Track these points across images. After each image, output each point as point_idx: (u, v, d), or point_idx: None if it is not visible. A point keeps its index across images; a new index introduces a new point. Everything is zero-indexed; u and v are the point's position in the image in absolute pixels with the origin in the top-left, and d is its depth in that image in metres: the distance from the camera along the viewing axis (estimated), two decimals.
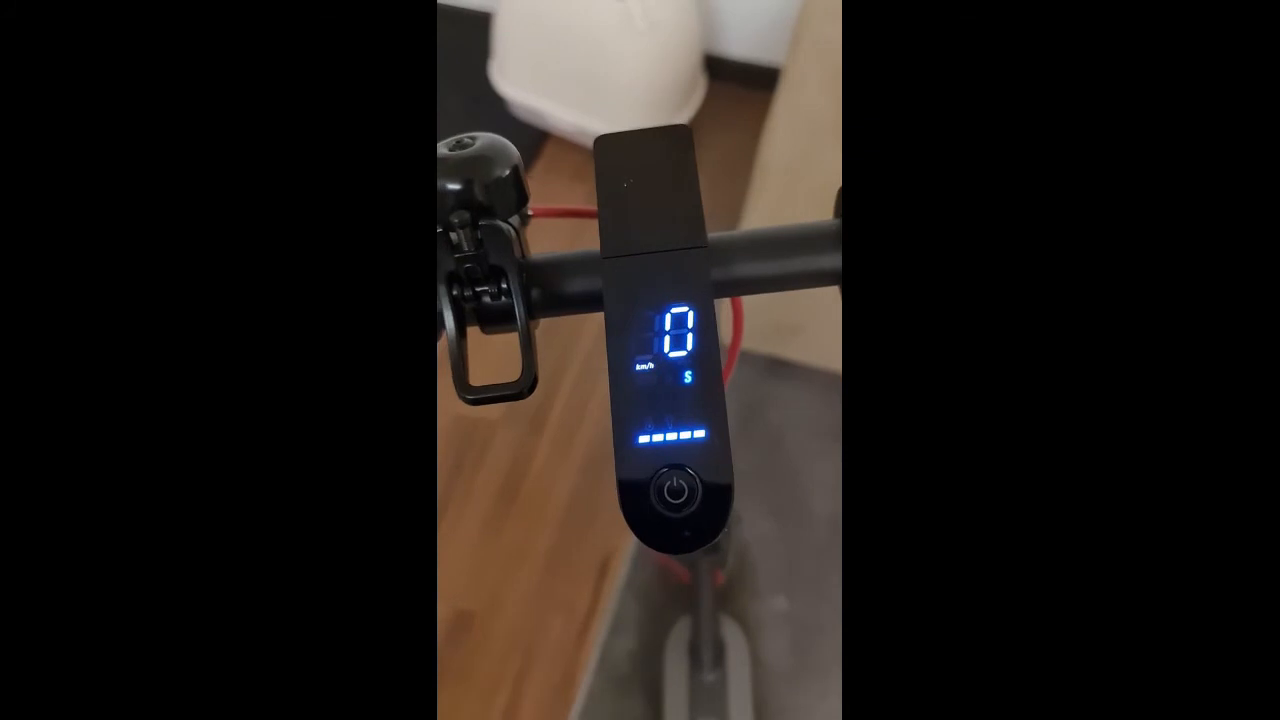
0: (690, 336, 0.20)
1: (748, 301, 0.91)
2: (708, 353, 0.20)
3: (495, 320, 0.23)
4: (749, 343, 1.11)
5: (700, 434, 0.19)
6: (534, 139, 1.43)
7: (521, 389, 0.22)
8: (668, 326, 0.20)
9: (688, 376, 0.20)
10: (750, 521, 1.03)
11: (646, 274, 0.21)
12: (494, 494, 1.08)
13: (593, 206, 0.24)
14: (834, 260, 0.23)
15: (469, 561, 1.04)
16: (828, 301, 0.95)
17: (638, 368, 0.20)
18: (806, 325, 1.04)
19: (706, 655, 0.86)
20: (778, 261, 0.23)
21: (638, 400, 0.20)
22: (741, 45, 1.43)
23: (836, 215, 0.24)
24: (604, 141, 0.23)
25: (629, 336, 0.20)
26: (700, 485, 0.19)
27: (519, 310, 0.22)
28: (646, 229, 0.21)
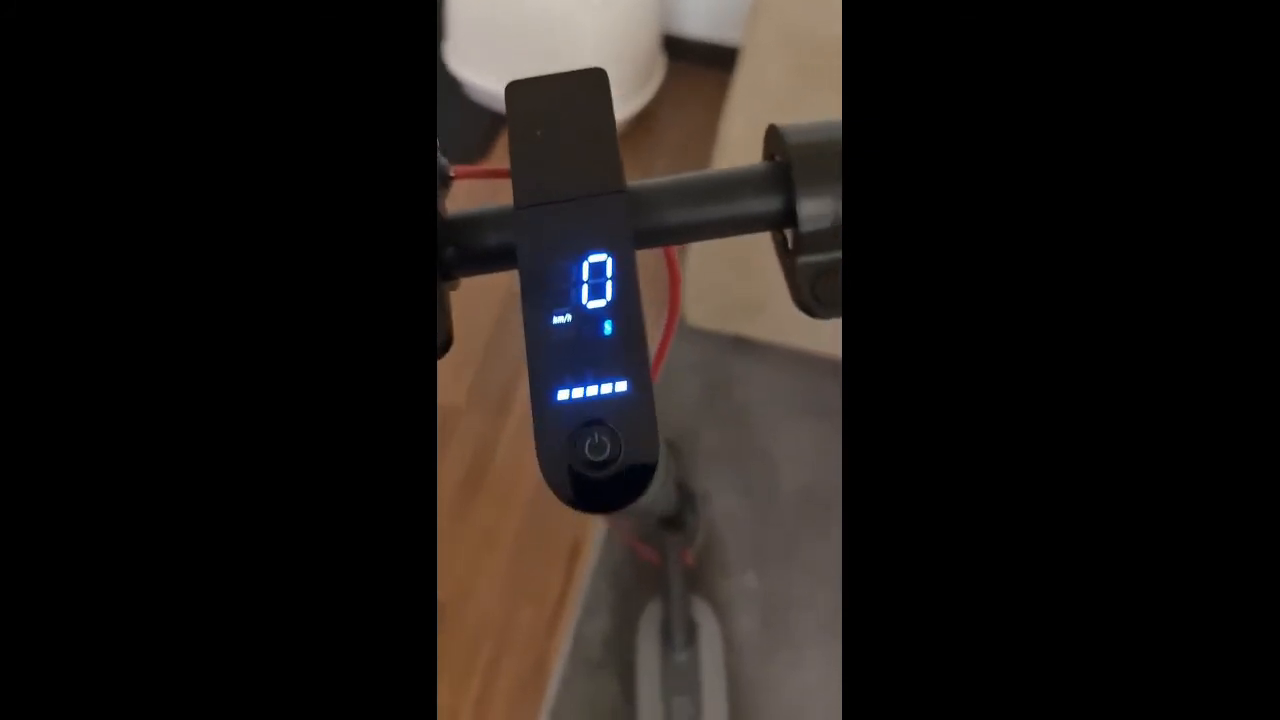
0: (609, 285, 0.19)
1: (709, 280, 0.90)
2: (628, 301, 0.19)
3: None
4: (712, 322, 1.10)
5: (622, 386, 0.18)
6: (492, 122, 1.40)
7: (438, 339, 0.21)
8: (585, 276, 0.19)
9: (607, 327, 0.19)
10: (718, 499, 1.03)
11: (561, 223, 0.20)
12: (459, 481, 1.07)
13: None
14: (766, 204, 0.22)
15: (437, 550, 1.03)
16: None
17: (554, 320, 0.19)
18: (768, 303, 1.04)
19: (678, 636, 0.86)
20: (705, 207, 0.22)
21: (555, 355, 0.19)
22: (700, 24, 1.42)
23: (766, 158, 0.23)
24: (515, 88, 0.22)
25: (544, 288, 0.19)
26: (622, 441, 0.18)
27: (444, 257, 0.21)
28: (561, 176, 0.20)
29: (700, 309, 1.09)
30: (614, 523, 0.97)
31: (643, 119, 1.38)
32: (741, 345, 1.17)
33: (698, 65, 1.42)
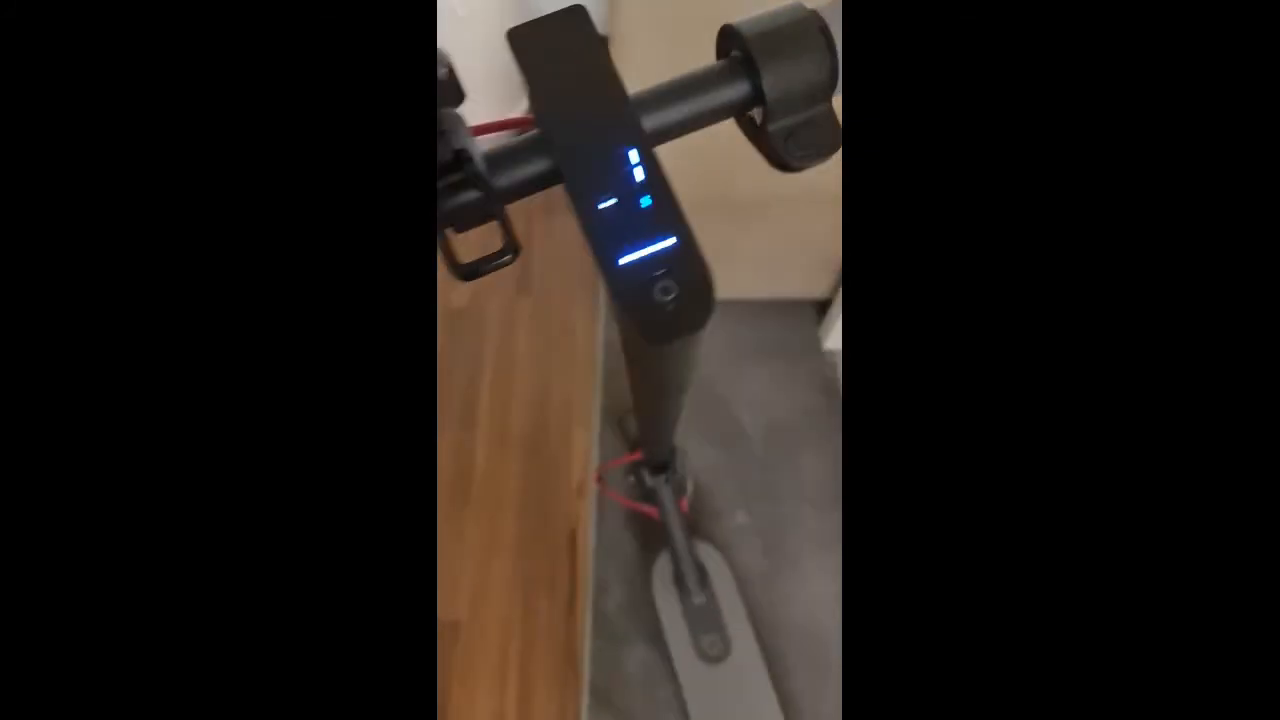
0: (639, 170, 0.23)
1: None
2: (656, 178, 0.23)
3: (468, 214, 0.25)
4: None
5: (670, 242, 0.22)
6: None
7: (508, 252, 0.24)
8: (611, 170, 0.23)
9: (645, 201, 0.23)
10: (694, 452, 1.09)
11: (589, 131, 0.24)
12: (446, 499, 1.08)
13: (526, 117, 0.27)
14: (737, 90, 0.26)
15: (440, 573, 1.04)
16: (731, 236, 1.01)
17: (600, 206, 0.23)
18: (712, 262, 1.10)
19: (691, 580, 0.92)
20: (690, 101, 0.26)
21: (609, 230, 0.23)
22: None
23: (718, 58, 0.28)
24: (515, 33, 0.26)
25: (587, 183, 0.23)
26: (684, 280, 0.22)
27: (494, 184, 0.25)
28: (576, 97, 0.25)
29: None
30: (611, 491, 1.02)
31: None
32: None
33: None
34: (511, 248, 0.24)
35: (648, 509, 0.92)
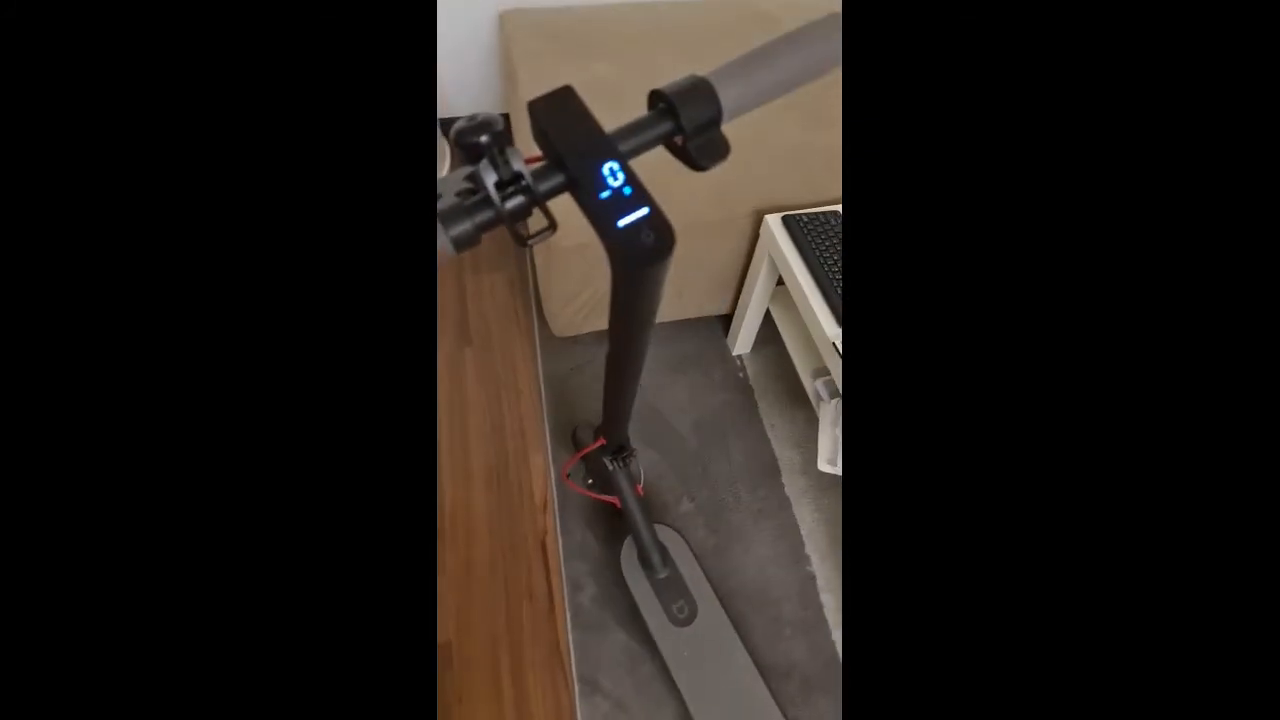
0: (621, 174, 0.39)
1: (559, 296, 1.19)
2: (633, 177, 0.39)
3: (520, 213, 0.40)
4: (573, 329, 1.31)
5: (645, 210, 0.38)
6: None
7: (550, 227, 0.41)
8: (606, 175, 0.39)
9: (627, 190, 0.39)
10: (639, 455, 1.24)
11: (588, 154, 0.40)
12: None
13: (539, 155, 0.43)
14: (667, 125, 0.43)
15: None
16: None
17: (601, 196, 0.39)
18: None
19: (655, 558, 1.06)
20: (641, 135, 0.43)
21: (608, 210, 0.38)
22: (467, 106, 1.67)
23: (649, 108, 0.45)
24: (534, 103, 0.42)
25: (590, 184, 0.39)
26: (656, 228, 0.38)
27: (537, 190, 0.40)
28: (576, 138, 0.41)
29: (562, 320, 1.29)
30: (576, 486, 1.15)
31: None
32: (604, 337, 1.40)
33: None
34: (551, 224, 0.41)
35: (609, 498, 1.06)
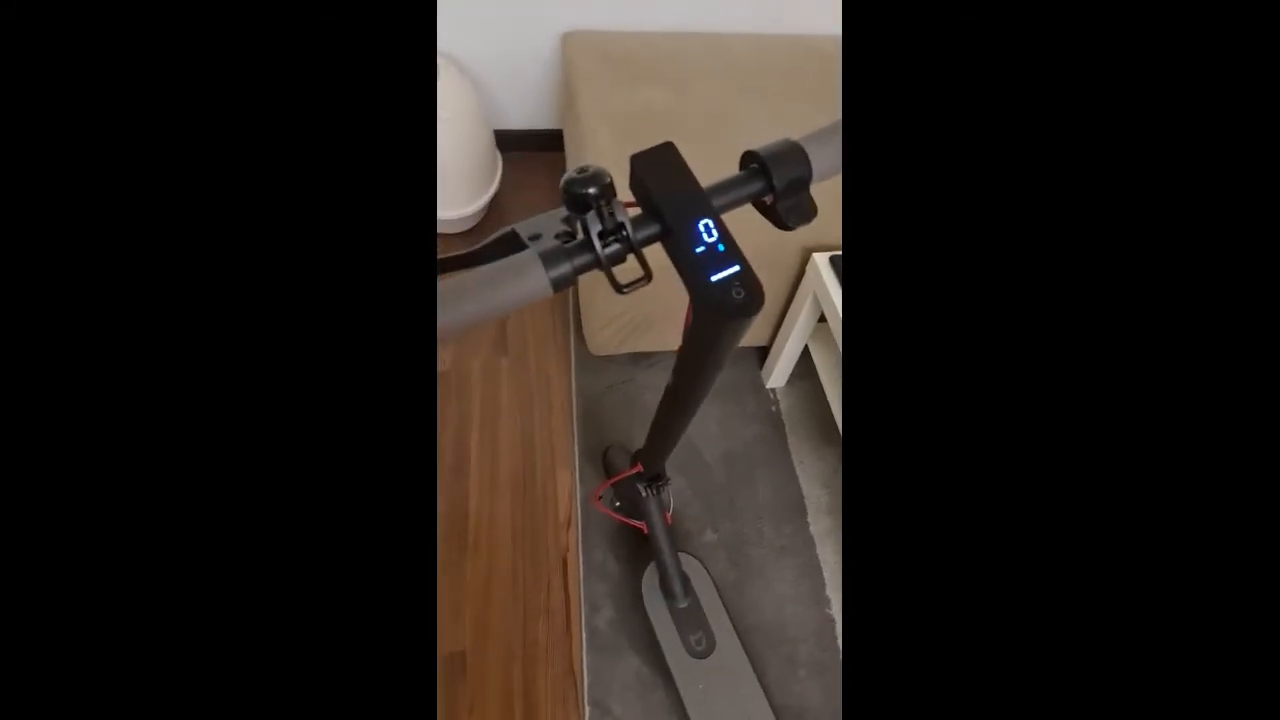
0: (715, 230, 0.41)
1: (602, 316, 1.20)
2: (726, 234, 0.40)
3: (615, 259, 0.41)
4: (611, 348, 1.32)
5: (736, 268, 0.40)
6: None
7: (646, 277, 0.42)
8: (701, 230, 0.41)
9: (720, 247, 0.40)
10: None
11: (685, 210, 0.41)
12: (445, 541, 1.19)
13: (633, 201, 0.44)
14: (758, 185, 0.44)
15: (444, 607, 1.14)
16: (668, 296, 1.20)
17: (697, 250, 0.40)
18: (655, 321, 1.28)
19: (677, 587, 1.06)
20: (737, 190, 0.44)
21: (702, 265, 0.40)
22: (520, 118, 1.70)
23: (742, 168, 0.46)
24: (636, 156, 0.43)
25: (686, 240, 0.40)
26: (747, 285, 0.39)
27: (635, 239, 0.41)
28: (675, 191, 0.42)
29: (600, 339, 1.30)
30: (605, 508, 1.16)
31: (493, 203, 1.61)
32: (639, 359, 1.42)
33: (522, 150, 1.70)
34: (647, 275, 0.42)
35: (637, 523, 1.06)
